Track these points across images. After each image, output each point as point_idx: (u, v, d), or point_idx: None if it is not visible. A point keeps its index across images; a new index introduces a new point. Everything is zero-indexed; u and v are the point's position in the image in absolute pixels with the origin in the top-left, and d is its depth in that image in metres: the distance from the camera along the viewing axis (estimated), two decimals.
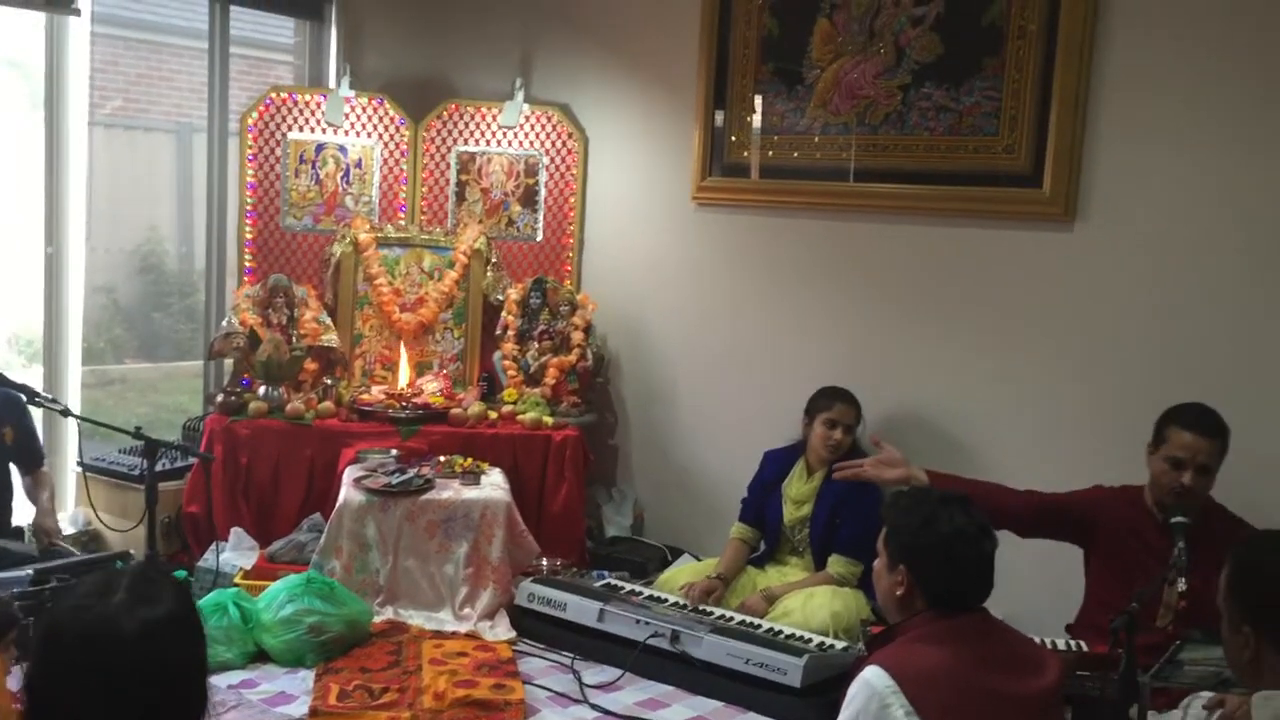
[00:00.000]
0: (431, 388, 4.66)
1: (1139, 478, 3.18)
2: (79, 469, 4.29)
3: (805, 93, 4.26)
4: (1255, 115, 3.35)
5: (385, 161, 4.90)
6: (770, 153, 4.37)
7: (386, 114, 4.89)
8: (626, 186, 4.83)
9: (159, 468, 4.00)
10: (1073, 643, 3.05)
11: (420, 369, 4.80)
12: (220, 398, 4.46)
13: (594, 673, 3.59)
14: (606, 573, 4.27)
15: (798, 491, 4.05)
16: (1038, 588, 3.50)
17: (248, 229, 4.79)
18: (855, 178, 4.15)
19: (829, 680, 3.37)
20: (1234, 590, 1.78)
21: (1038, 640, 2.59)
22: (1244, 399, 3.29)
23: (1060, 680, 2.22)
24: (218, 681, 3.40)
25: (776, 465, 4.14)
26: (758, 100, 4.38)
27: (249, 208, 4.79)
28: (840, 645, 3.51)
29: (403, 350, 4.75)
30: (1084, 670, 2.89)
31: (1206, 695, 2.83)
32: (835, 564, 3.90)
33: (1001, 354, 3.88)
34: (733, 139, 4.46)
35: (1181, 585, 2.74)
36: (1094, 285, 3.66)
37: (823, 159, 4.23)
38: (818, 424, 3.97)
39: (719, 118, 4.49)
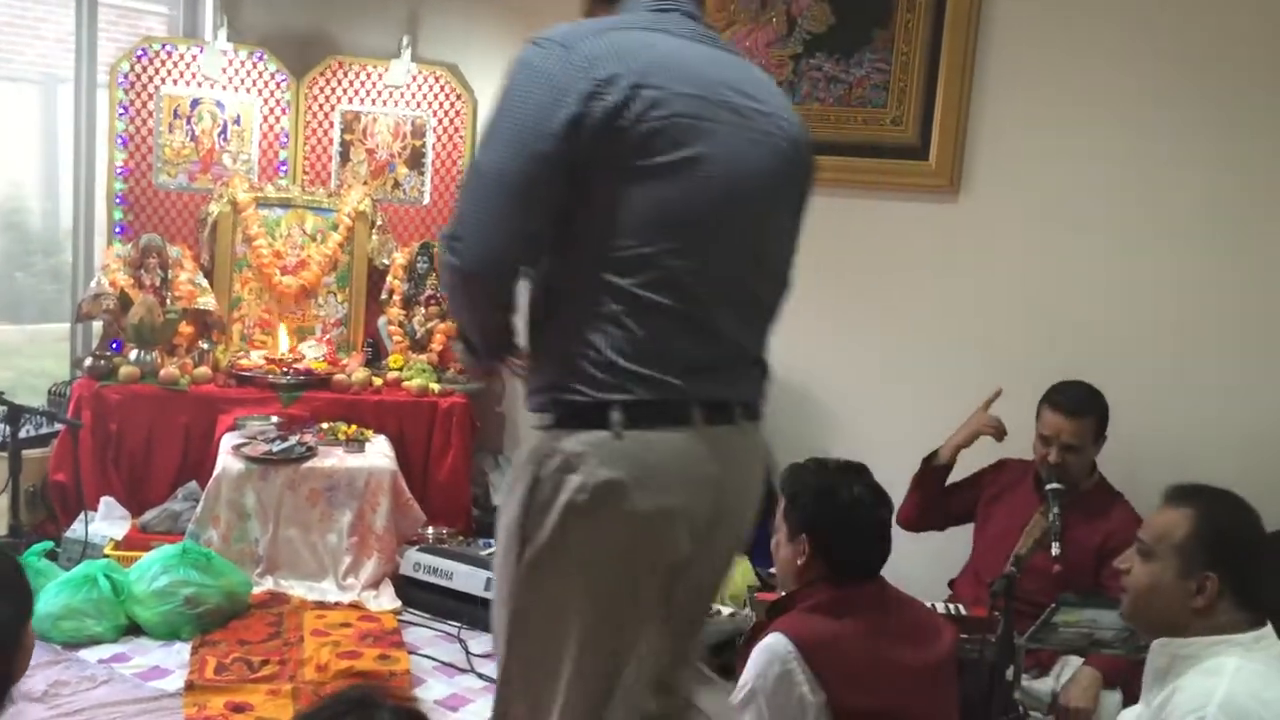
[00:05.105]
0: (314, 353, 4.54)
1: (1019, 448, 3.29)
2: None
3: None
4: (1138, 92, 3.45)
5: (265, 119, 4.73)
6: None
7: (266, 69, 4.72)
8: None
9: (23, 434, 3.87)
10: (952, 606, 3.13)
11: (302, 334, 4.67)
12: (89, 361, 4.27)
13: (481, 641, 3.56)
14: (493, 541, 4.23)
15: None
16: (916, 552, 3.57)
17: (118, 186, 4.59)
18: None
19: (716, 646, 3.40)
20: (1204, 543, 1.84)
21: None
22: (1123, 370, 3.40)
23: (954, 647, 2.28)
24: (87, 656, 3.28)
25: None
26: None
27: (120, 164, 4.58)
28: (727, 612, 3.54)
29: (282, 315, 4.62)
30: (963, 633, 2.96)
31: (1078, 661, 2.96)
32: None
33: (885, 324, 3.93)
34: None
35: (1055, 549, 2.83)
36: (977, 257, 3.74)
37: None
38: None
39: None
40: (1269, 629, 1.85)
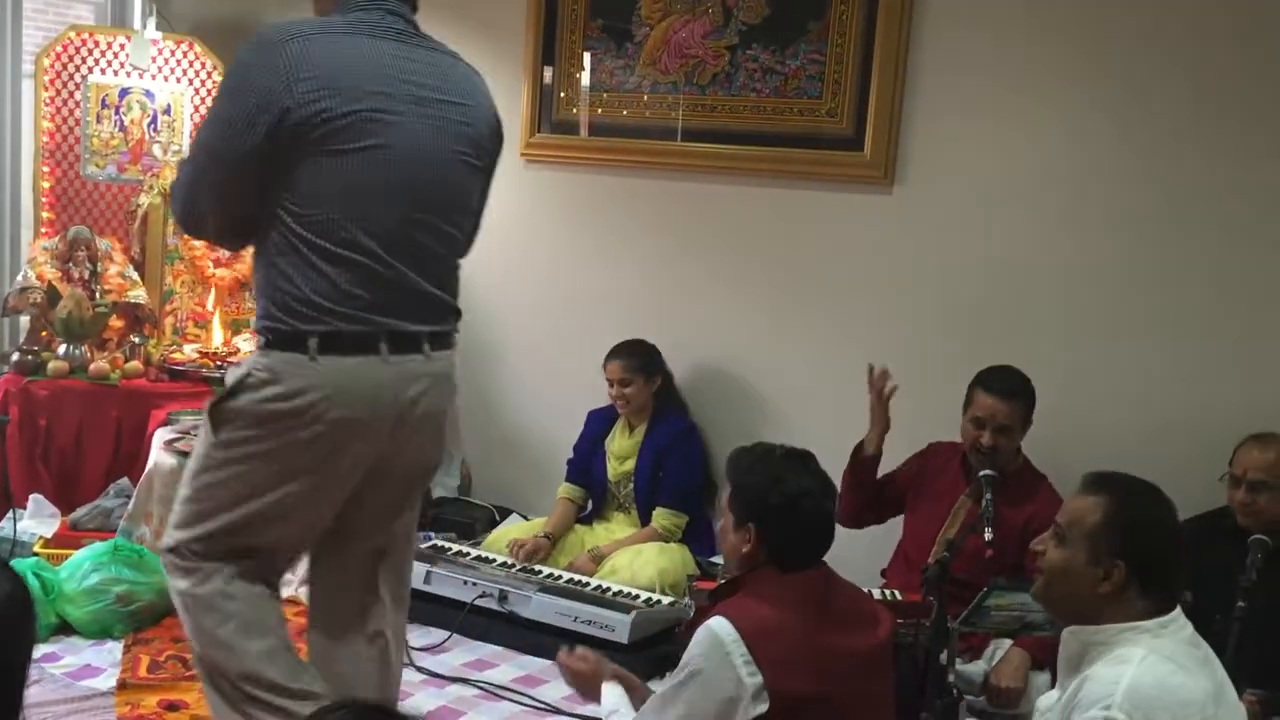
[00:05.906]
0: (249, 346, 4.49)
1: (950, 434, 3.34)
2: None
3: (634, 50, 4.24)
4: (1072, 82, 3.50)
5: (197, 109, 4.66)
6: (600, 110, 4.34)
7: (197, 58, 4.65)
8: None
9: None
10: (889, 592, 3.17)
11: (237, 327, 4.61)
12: (16, 356, 4.20)
13: (420, 635, 3.54)
14: (433, 534, 4.21)
15: (620, 447, 4.09)
16: (851, 538, 3.61)
17: (45, 178, 4.50)
18: (683, 137, 4.16)
19: (656, 635, 3.42)
20: (1114, 531, 1.87)
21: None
22: (1051, 356, 3.47)
23: (892, 633, 2.31)
24: None
25: (599, 423, 4.16)
26: (586, 57, 4.34)
27: (46, 155, 4.49)
28: (667, 601, 3.56)
29: (215, 307, 4.56)
30: (898, 618, 3.00)
31: (1009, 643, 3.01)
32: (660, 517, 3.95)
33: (821, 314, 3.97)
34: (562, 95, 4.41)
35: (989, 534, 2.88)
36: (912, 248, 3.78)
37: (652, 118, 4.22)
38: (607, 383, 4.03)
39: (548, 74, 4.43)
40: (1178, 613, 1.87)
